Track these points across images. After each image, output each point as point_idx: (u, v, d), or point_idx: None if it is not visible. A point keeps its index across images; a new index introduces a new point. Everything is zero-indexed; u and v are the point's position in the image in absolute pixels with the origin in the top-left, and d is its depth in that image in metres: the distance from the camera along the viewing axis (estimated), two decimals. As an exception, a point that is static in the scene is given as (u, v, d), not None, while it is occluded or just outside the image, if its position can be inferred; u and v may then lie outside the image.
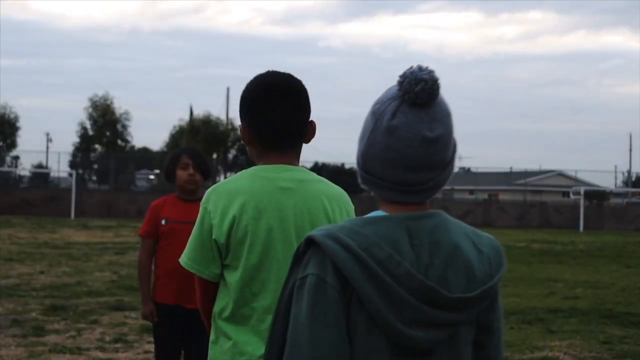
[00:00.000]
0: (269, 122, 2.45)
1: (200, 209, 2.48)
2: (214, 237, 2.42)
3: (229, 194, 2.43)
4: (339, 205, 2.51)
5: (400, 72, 1.76)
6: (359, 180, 1.86)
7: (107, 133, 52.37)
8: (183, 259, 2.52)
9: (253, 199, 2.40)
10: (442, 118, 1.75)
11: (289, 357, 1.67)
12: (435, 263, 1.72)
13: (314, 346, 1.65)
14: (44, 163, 53.70)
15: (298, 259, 1.73)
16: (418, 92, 1.72)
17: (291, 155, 2.51)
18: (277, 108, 2.45)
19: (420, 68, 1.74)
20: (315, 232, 1.72)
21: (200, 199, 5.13)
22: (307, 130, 2.52)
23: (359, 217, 1.79)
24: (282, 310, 1.73)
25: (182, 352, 4.94)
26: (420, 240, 1.73)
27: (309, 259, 1.70)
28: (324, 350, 1.65)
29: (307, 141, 2.54)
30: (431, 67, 1.75)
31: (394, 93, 1.76)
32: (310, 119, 2.52)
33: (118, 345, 7.67)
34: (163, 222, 4.83)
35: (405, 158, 1.74)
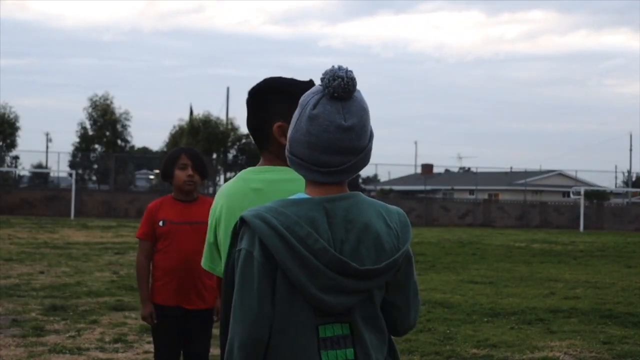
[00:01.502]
0: (249, 125, 2.61)
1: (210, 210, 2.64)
2: (212, 237, 2.59)
3: (219, 197, 2.58)
4: None
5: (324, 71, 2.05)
6: (288, 163, 2.13)
7: (107, 133, 52.30)
8: (202, 260, 2.68)
9: (228, 201, 2.52)
10: (356, 111, 2.04)
11: (232, 314, 2.01)
12: (350, 239, 2.02)
13: (242, 306, 1.98)
14: (44, 163, 53.68)
15: (235, 235, 2.05)
16: (335, 87, 2.01)
17: (269, 156, 2.55)
18: (251, 112, 2.58)
19: (339, 67, 2.04)
20: (246, 212, 2.02)
21: (197, 199, 5.13)
22: (271, 133, 2.51)
23: (284, 199, 2.07)
24: (228, 279, 2.07)
25: (182, 352, 4.94)
26: (336, 219, 2.02)
27: (242, 236, 2.01)
28: (250, 310, 1.97)
29: (279, 143, 2.50)
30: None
31: (317, 88, 2.07)
32: (278, 122, 2.49)
33: (118, 345, 7.66)
34: (161, 223, 4.81)
35: (322, 142, 2.02)
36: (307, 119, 2.04)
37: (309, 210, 2.02)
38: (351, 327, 2.04)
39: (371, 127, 2.12)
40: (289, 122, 2.34)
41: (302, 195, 2.11)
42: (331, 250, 1.97)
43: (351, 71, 2.04)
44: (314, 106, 2.04)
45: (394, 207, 2.14)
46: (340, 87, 2.02)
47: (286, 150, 2.12)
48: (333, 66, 2.05)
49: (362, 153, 2.08)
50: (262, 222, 1.98)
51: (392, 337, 2.20)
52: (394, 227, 2.08)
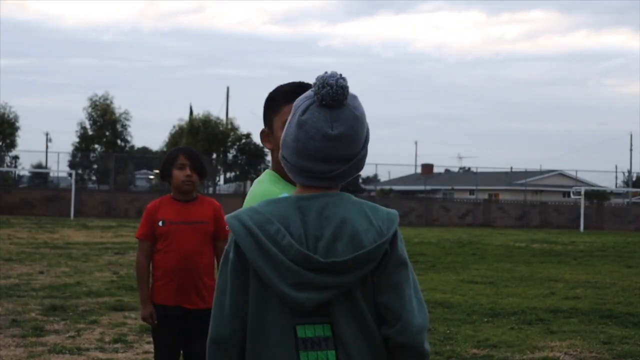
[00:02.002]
0: None
1: None
2: None
3: None
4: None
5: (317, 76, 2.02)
6: (283, 166, 2.12)
7: (107, 133, 52.26)
8: None
9: None
10: (346, 119, 2.00)
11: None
12: (325, 235, 1.97)
13: (216, 305, 2.04)
14: (44, 163, 53.69)
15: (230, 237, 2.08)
16: (324, 95, 1.98)
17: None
18: None
19: (332, 74, 2.00)
20: (229, 214, 2.05)
21: (196, 199, 5.13)
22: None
23: (267, 199, 2.08)
24: None
25: (182, 352, 4.93)
26: (310, 216, 1.99)
27: (229, 237, 2.05)
28: (221, 308, 2.02)
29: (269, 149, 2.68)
30: (345, 74, 2.01)
31: (310, 93, 2.03)
32: (263, 127, 2.66)
33: (117, 345, 7.65)
34: (160, 223, 4.80)
35: (308, 149, 2.00)
36: (296, 125, 2.02)
37: (283, 208, 2.01)
38: (332, 328, 1.98)
39: (367, 134, 2.07)
40: (268, 127, 2.61)
41: (285, 195, 2.10)
42: (295, 245, 1.94)
43: (343, 79, 2.00)
44: (304, 112, 2.01)
45: (386, 208, 2.08)
46: (329, 95, 1.98)
47: (279, 153, 2.11)
48: (326, 72, 2.01)
49: (352, 161, 2.03)
50: (238, 222, 2.00)
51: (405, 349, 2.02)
52: (377, 224, 2.00)
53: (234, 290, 2.00)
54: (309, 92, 2.04)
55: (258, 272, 1.96)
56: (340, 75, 2.00)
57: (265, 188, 2.56)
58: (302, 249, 1.95)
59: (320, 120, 1.99)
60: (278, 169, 2.61)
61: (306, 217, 1.99)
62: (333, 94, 1.98)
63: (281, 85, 2.63)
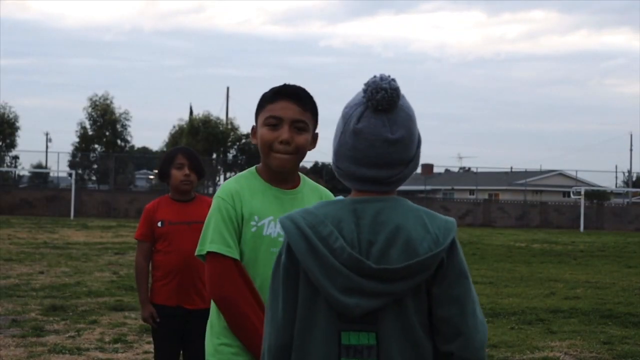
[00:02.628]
0: None
1: None
2: None
3: None
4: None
5: (366, 81, 1.98)
6: (336, 174, 2.10)
7: (107, 133, 52.25)
8: None
9: None
10: (403, 122, 1.97)
11: (265, 316, 2.06)
12: (379, 240, 1.92)
13: (271, 311, 2.00)
14: (44, 163, 53.71)
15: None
16: (379, 100, 1.94)
17: None
18: None
19: (382, 78, 1.96)
20: (282, 215, 2.02)
21: (194, 199, 5.13)
22: None
23: (322, 201, 2.07)
24: None
25: (181, 352, 4.92)
26: (364, 220, 1.94)
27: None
28: (277, 315, 1.98)
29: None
30: (394, 75, 1.98)
31: (360, 99, 1.98)
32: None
33: (117, 345, 7.65)
34: (159, 224, 4.79)
35: (369, 157, 1.96)
36: (352, 134, 1.97)
37: (338, 210, 1.97)
38: (378, 338, 1.93)
39: (418, 132, 2.04)
40: (255, 124, 2.75)
41: (340, 197, 2.07)
42: (347, 249, 1.90)
43: (394, 80, 1.97)
44: (358, 120, 1.96)
45: (443, 216, 2.02)
46: (385, 99, 1.94)
47: (332, 163, 2.08)
48: (375, 76, 1.97)
49: (410, 163, 2.01)
50: (291, 223, 1.96)
51: None
52: (434, 232, 1.94)
53: (286, 295, 1.97)
54: (358, 99, 1.99)
55: (309, 275, 1.92)
56: (389, 76, 1.97)
57: (228, 181, 2.77)
58: (355, 253, 1.90)
59: (378, 126, 1.94)
60: (261, 167, 2.80)
61: (360, 220, 1.95)
62: (389, 98, 1.94)
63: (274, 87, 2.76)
